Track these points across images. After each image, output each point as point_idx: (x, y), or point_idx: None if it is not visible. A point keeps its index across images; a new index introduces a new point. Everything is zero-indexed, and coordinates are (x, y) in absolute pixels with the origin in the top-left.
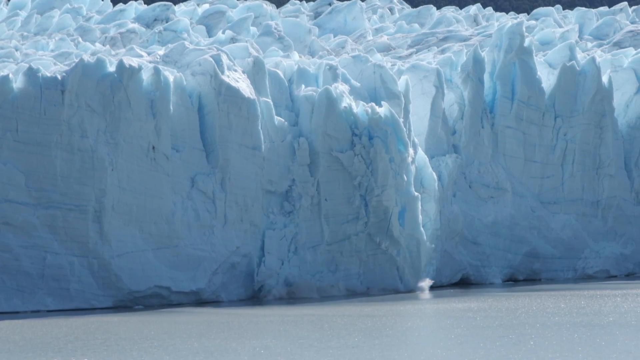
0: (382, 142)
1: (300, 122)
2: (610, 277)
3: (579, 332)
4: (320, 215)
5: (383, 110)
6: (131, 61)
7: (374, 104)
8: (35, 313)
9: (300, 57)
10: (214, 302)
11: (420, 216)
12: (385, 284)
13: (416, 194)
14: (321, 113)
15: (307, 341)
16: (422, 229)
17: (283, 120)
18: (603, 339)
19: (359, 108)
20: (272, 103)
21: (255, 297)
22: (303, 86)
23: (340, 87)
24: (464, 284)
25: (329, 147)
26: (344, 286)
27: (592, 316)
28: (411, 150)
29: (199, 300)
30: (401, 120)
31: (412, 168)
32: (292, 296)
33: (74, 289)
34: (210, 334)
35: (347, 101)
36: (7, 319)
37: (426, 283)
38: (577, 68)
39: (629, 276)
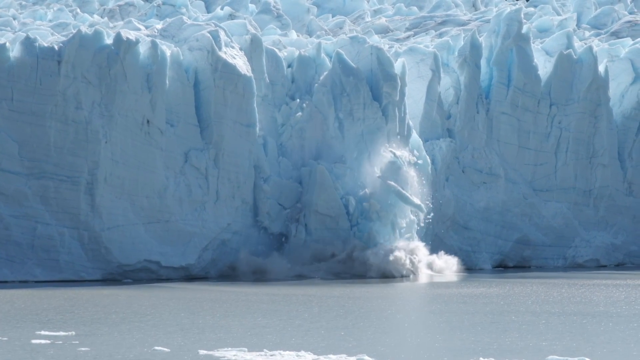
0: (377, 231)
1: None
2: (600, 266)
3: (569, 321)
4: None
5: (379, 194)
6: (129, 34)
7: (374, 198)
8: (24, 283)
9: (298, 36)
10: (203, 278)
11: (417, 236)
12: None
13: (413, 217)
14: (313, 192)
15: (297, 321)
16: (418, 242)
17: (290, 174)
18: (593, 328)
19: (352, 193)
20: (278, 151)
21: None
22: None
23: (336, 168)
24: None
25: (322, 223)
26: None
27: (583, 305)
28: (425, 209)
29: (188, 276)
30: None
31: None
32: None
33: (63, 260)
34: (199, 310)
35: (341, 184)
36: None
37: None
38: (574, 56)
39: (619, 266)
